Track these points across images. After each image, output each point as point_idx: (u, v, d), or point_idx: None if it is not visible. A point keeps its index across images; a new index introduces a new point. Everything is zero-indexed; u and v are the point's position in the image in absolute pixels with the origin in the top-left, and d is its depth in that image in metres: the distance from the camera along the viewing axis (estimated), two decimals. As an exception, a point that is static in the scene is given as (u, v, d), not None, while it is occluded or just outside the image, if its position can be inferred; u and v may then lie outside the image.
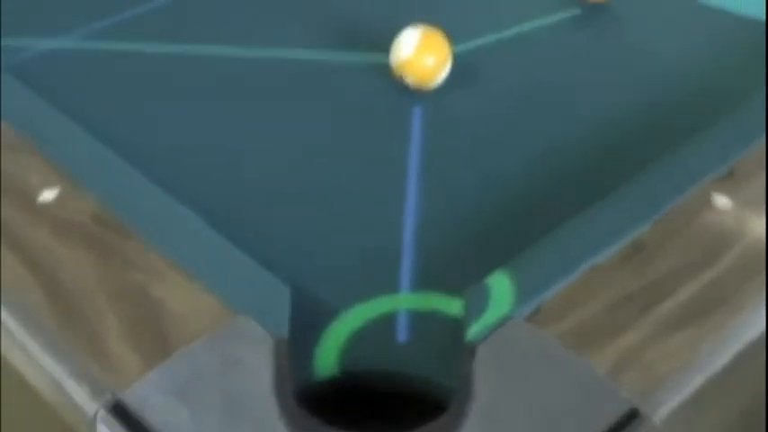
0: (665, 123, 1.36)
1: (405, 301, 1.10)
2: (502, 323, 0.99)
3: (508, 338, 0.98)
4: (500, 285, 1.05)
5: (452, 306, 1.07)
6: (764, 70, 1.39)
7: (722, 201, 1.14)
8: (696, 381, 0.95)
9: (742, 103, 1.29)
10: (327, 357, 1.02)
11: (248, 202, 1.26)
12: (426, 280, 1.13)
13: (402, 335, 1.06)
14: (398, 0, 1.62)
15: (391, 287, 1.11)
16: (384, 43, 1.43)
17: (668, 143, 1.26)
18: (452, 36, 1.46)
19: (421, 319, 1.07)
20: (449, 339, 1.02)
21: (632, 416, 0.91)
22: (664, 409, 0.92)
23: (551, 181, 1.28)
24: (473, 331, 0.99)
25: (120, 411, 0.92)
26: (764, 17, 1.53)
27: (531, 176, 1.29)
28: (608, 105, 1.41)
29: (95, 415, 0.93)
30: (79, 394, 0.95)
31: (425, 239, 1.19)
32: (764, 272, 1.05)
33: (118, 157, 1.25)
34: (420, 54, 1.40)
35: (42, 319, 1.02)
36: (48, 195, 1.18)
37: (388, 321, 1.07)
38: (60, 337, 1.00)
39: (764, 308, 1.04)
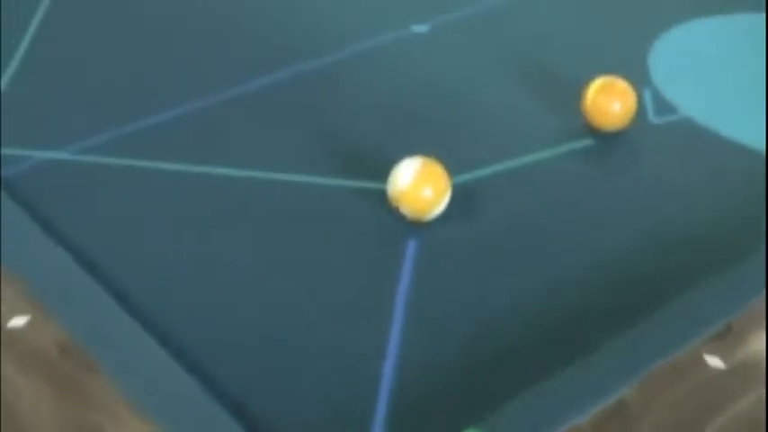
0: (663, 271, 1.31)
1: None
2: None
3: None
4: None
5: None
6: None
7: (714, 361, 1.09)
8: None
9: (744, 256, 1.23)
10: None
11: (224, 338, 1.23)
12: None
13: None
14: (403, 129, 1.58)
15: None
16: (385, 171, 1.41)
17: (665, 293, 1.22)
18: (454, 166, 1.45)
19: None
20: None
21: None
22: None
23: (540, 328, 1.24)
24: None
25: None
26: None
27: (520, 321, 1.26)
28: (607, 247, 1.37)
29: None
30: None
31: (403, 390, 1.16)
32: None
33: (96, 282, 1.21)
34: (417, 185, 1.37)
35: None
36: (17, 322, 1.15)
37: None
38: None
39: None
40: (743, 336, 1.13)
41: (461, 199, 1.43)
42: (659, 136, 1.57)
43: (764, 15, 1.84)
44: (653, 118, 1.59)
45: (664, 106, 1.62)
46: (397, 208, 1.39)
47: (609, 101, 1.54)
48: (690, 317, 1.15)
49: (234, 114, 1.62)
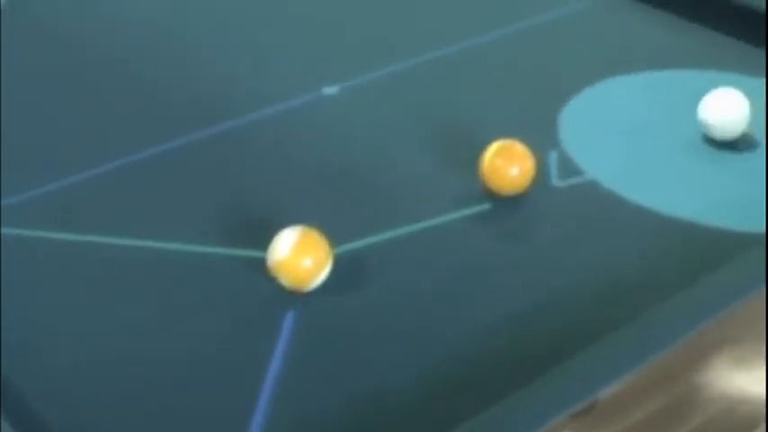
0: (544, 340, 1.27)
1: None
2: None
3: None
4: None
5: None
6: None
7: (575, 440, 1.04)
8: None
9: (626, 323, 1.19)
10: None
11: (93, 406, 1.22)
12: None
13: None
14: (301, 195, 1.56)
15: None
16: (267, 241, 1.37)
17: (546, 363, 1.15)
18: (346, 233, 1.42)
19: None
20: None
21: None
22: None
23: (414, 403, 1.20)
24: None
25: None
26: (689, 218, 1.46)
27: (393, 396, 1.22)
28: (491, 316, 1.33)
29: None
30: None
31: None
32: None
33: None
34: (295, 256, 1.33)
35: None
36: None
37: None
38: None
39: None
40: (608, 413, 1.08)
41: (348, 268, 1.39)
42: (561, 199, 1.54)
43: (676, 73, 1.80)
44: (556, 181, 1.55)
45: (569, 169, 1.58)
46: (276, 279, 1.34)
47: (506, 165, 1.50)
48: (556, 392, 1.10)
49: (129, 182, 1.59)
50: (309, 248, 1.34)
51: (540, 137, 1.63)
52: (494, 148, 1.51)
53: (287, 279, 1.34)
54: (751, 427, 1.09)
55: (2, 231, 1.48)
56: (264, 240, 1.37)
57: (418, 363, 1.26)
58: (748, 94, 1.63)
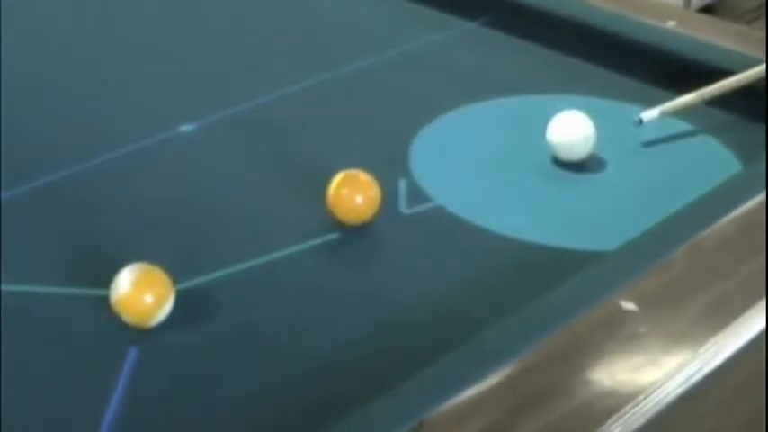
0: (380, 368, 1.27)
1: None
2: None
3: None
4: None
5: None
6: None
7: (399, 461, 1.05)
8: None
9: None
10: None
11: None
12: None
13: None
14: (147, 233, 1.56)
15: None
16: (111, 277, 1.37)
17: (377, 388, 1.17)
18: (191, 269, 1.43)
19: None
20: None
21: None
22: None
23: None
24: None
25: None
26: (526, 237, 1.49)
27: (233, 429, 1.23)
28: (331, 345, 1.35)
29: None
30: None
31: None
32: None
33: None
34: (136, 292, 1.33)
35: None
36: None
37: None
38: None
39: None
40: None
41: (193, 303, 1.40)
42: (407, 226, 1.56)
43: (525, 98, 1.83)
44: (404, 209, 1.56)
45: (417, 196, 1.60)
46: (119, 316, 1.34)
47: (350, 194, 1.52)
48: (380, 416, 1.11)
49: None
50: (149, 284, 1.35)
51: (391, 166, 1.65)
52: (339, 178, 1.52)
53: (128, 315, 1.34)
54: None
55: None
56: (110, 278, 1.36)
57: (258, 395, 1.28)
58: (594, 115, 1.66)
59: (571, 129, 1.65)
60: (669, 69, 1.85)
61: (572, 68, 1.94)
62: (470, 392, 1.14)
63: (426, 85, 1.92)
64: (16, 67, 1.98)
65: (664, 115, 1.71)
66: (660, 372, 1.17)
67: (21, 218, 1.58)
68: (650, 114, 1.70)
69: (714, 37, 1.91)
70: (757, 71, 1.75)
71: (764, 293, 1.26)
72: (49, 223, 1.58)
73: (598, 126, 1.66)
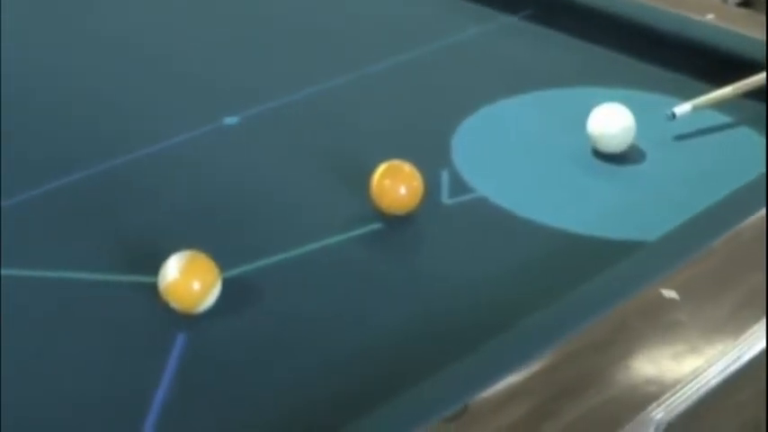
0: (427, 351, 1.30)
1: None
2: None
3: None
4: None
5: None
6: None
7: (446, 441, 1.07)
8: None
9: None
10: None
11: None
12: None
13: None
14: (196, 222, 1.58)
15: None
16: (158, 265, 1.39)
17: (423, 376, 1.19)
18: (237, 258, 1.45)
19: None
20: None
21: None
22: None
23: (307, 423, 1.22)
24: None
25: None
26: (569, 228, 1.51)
27: (279, 420, 1.23)
28: (378, 332, 1.36)
29: None
30: None
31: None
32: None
33: None
34: (184, 279, 1.35)
35: None
36: None
37: None
38: None
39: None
40: (478, 417, 1.11)
41: (238, 291, 1.42)
42: (449, 216, 1.58)
43: (566, 91, 1.85)
44: (446, 199, 1.58)
45: (459, 187, 1.62)
46: (167, 303, 1.36)
47: (394, 185, 1.53)
48: (425, 399, 1.13)
49: (30, 215, 1.60)
50: (197, 272, 1.37)
51: (433, 157, 1.67)
52: (382, 168, 1.54)
53: (176, 302, 1.36)
54: (618, 425, 1.12)
55: None
56: (159, 266, 1.39)
57: (305, 384, 1.29)
58: (633, 107, 1.68)
59: (611, 121, 1.66)
60: (708, 62, 1.86)
61: (611, 61, 1.96)
62: (513, 378, 1.16)
63: (468, 78, 1.94)
64: (71, 59, 2.04)
65: (696, 109, 1.72)
66: (701, 359, 1.18)
67: (71, 206, 1.62)
68: (683, 109, 1.72)
69: (752, 30, 1.91)
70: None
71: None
72: (98, 212, 1.61)
73: (637, 118, 1.67)
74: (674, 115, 1.70)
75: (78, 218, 1.59)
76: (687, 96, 1.75)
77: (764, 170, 1.51)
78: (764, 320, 1.22)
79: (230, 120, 1.81)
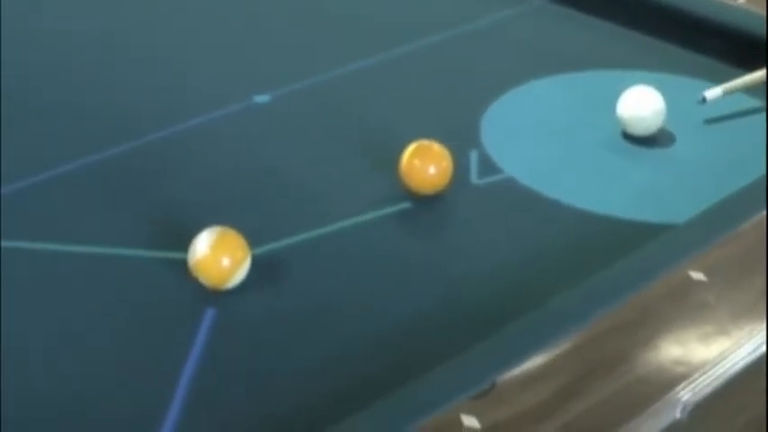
0: (454, 329, 1.32)
1: None
2: None
3: None
4: None
5: None
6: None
7: (470, 421, 1.08)
8: None
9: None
10: None
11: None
12: None
13: None
14: (226, 199, 1.59)
15: None
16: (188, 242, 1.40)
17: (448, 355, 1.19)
18: (268, 235, 1.46)
19: None
20: None
21: None
22: None
23: (329, 401, 1.23)
24: None
25: None
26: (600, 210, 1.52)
27: (306, 395, 1.25)
28: (404, 310, 1.37)
29: None
30: None
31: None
32: None
33: None
34: (213, 255, 1.36)
35: None
36: None
37: None
38: None
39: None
40: (505, 395, 1.12)
41: (267, 268, 1.43)
42: (478, 196, 1.58)
43: (596, 73, 1.85)
44: (475, 180, 1.59)
45: (488, 167, 1.62)
46: (197, 278, 1.38)
47: (423, 164, 1.54)
48: (454, 378, 1.14)
49: (61, 190, 1.61)
50: (227, 248, 1.38)
51: (462, 138, 1.67)
52: (412, 148, 1.54)
53: (205, 278, 1.37)
54: (645, 405, 1.13)
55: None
56: (188, 242, 1.40)
57: (333, 359, 1.30)
58: (663, 90, 1.67)
59: (642, 104, 1.67)
60: (738, 46, 1.86)
61: (642, 44, 1.96)
62: (541, 358, 1.16)
63: (498, 60, 1.94)
64: (107, 35, 2.06)
65: (727, 93, 1.72)
66: (728, 341, 1.19)
67: (103, 183, 1.63)
68: (713, 93, 1.71)
69: (784, 14, 1.91)
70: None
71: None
72: (130, 188, 1.63)
73: (667, 101, 1.67)
74: (704, 99, 1.69)
75: (110, 194, 1.60)
76: (717, 80, 1.75)
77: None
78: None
79: (261, 98, 1.81)
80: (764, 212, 1.36)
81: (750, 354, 1.18)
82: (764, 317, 1.21)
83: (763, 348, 1.17)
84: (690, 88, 1.76)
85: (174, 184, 1.62)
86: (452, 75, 1.90)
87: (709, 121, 1.72)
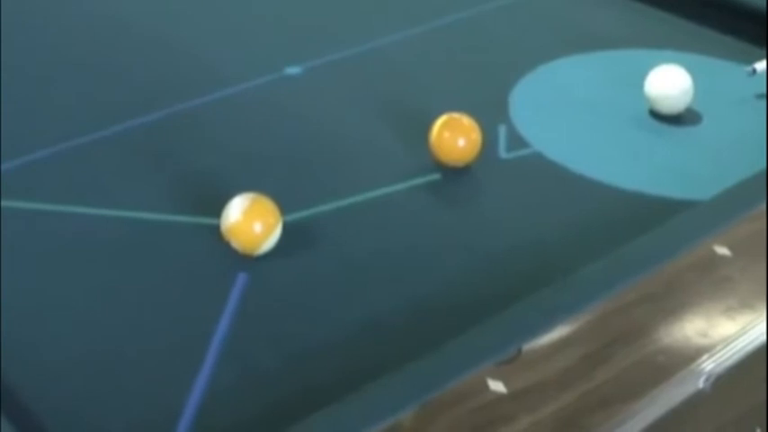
0: (481, 299, 1.32)
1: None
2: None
3: None
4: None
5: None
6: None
7: (497, 386, 1.10)
8: None
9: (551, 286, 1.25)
10: None
11: (45, 364, 1.27)
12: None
13: None
14: (259, 168, 1.62)
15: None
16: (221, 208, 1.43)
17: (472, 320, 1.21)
18: (299, 202, 1.49)
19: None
20: None
21: None
22: None
23: (355, 365, 1.25)
24: None
25: None
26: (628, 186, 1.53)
27: (334, 358, 1.27)
28: (431, 278, 1.39)
29: None
30: None
31: (204, 421, 1.17)
32: None
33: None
34: (246, 220, 1.38)
35: None
36: None
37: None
38: None
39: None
40: (531, 362, 1.14)
41: (299, 234, 1.45)
42: (506, 170, 1.60)
43: (625, 52, 1.86)
44: (503, 153, 1.61)
45: (516, 142, 1.64)
46: (229, 243, 1.40)
47: (453, 137, 1.56)
48: (481, 344, 1.16)
49: (95, 156, 1.64)
50: (259, 214, 1.40)
51: (491, 112, 1.69)
52: (442, 120, 1.57)
53: (238, 242, 1.39)
54: (668, 374, 1.15)
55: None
56: (221, 208, 1.43)
57: (362, 325, 1.32)
58: (692, 70, 1.69)
59: (670, 82, 1.68)
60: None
61: (671, 25, 1.97)
62: (566, 326, 1.18)
63: (528, 37, 1.96)
64: (143, 7, 2.09)
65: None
66: (752, 314, 1.21)
67: (139, 149, 1.66)
68: (763, 65, 1.73)
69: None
70: None
71: None
72: (164, 155, 1.65)
73: (695, 81, 1.68)
74: (754, 71, 1.71)
75: (145, 161, 1.63)
76: (746, 61, 1.76)
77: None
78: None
79: (292, 70, 1.83)
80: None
81: (772, 327, 1.19)
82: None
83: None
84: (717, 68, 1.78)
85: (207, 152, 1.65)
86: (483, 50, 1.92)
87: (735, 102, 1.73)
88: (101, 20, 2.03)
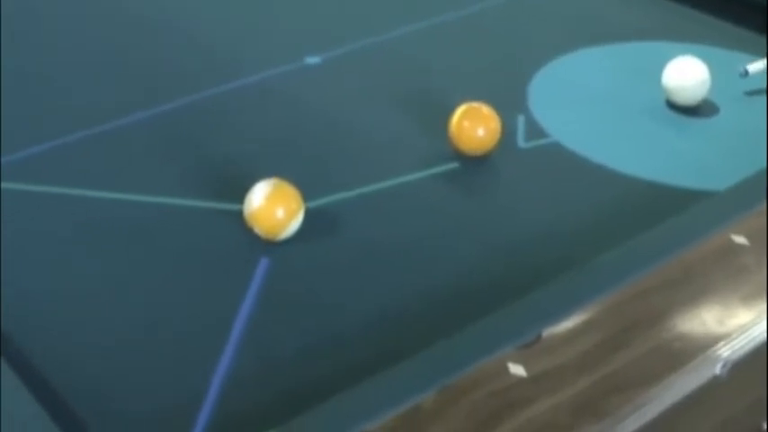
0: (497, 286, 1.34)
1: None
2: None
3: None
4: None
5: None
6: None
7: (517, 369, 1.12)
8: None
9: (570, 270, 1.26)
10: None
11: (66, 346, 1.28)
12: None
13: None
14: (280, 155, 1.63)
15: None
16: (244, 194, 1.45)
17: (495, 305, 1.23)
18: (320, 189, 1.51)
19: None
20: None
21: None
22: None
23: (376, 350, 1.26)
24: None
25: None
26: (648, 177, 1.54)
27: (356, 344, 1.28)
28: (449, 266, 1.41)
29: None
30: None
31: (226, 406, 1.19)
32: None
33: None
34: (269, 206, 1.40)
35: None
36: None
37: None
38: None
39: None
40: (551, 346, 1.16)
41: (321, 220, 1.47)
42: (525, 159, 1.61)
43: (643, 44, 1.88)
44: (522, 143, 1.62)
45: (535, 132, 1.65)
46: (252, 228, 1.42)
47: (472, 126, 1.57)
48: (501, 328, 1.18)
49: (119, 142, 1.66)
50: (282, 199, 1.42)
51: (510, 102, 1.71)
52: (461, 110, 1.58)
53: (260, 228, 1.41)
54: (685, 361, 1.17)
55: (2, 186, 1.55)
56: (244, 194, 1.44)
57: (381, 308, 1.34)
58: (709, 62, 1.70)
59: (687, 74, 1.69)
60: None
61: (689, 17, 1.99)
62: (586, 312, 1.20)
63: (547, 28, 1.98)
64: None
65: (769, 66, 1.75)
66: (768, 303, 1.22)
67: (163, 135, 1.68)
68: (756, 66, 1.74)
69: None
70: None
71: None
72: (188, 142, 1.67)
73: (712, 73, 1.70)
74: (746, 72, 1.72)
75: (169, 147, 1.65)
76: (761, 54, 1.77)
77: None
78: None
79: (312, 59, 1.85)
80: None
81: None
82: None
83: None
84: (734, 61, 1.79)
85: (230, 139, 1.66)
86: (503, 41, 1.94)
87: (752, 93, 1.74)
88: (128, 12, 2.04)
